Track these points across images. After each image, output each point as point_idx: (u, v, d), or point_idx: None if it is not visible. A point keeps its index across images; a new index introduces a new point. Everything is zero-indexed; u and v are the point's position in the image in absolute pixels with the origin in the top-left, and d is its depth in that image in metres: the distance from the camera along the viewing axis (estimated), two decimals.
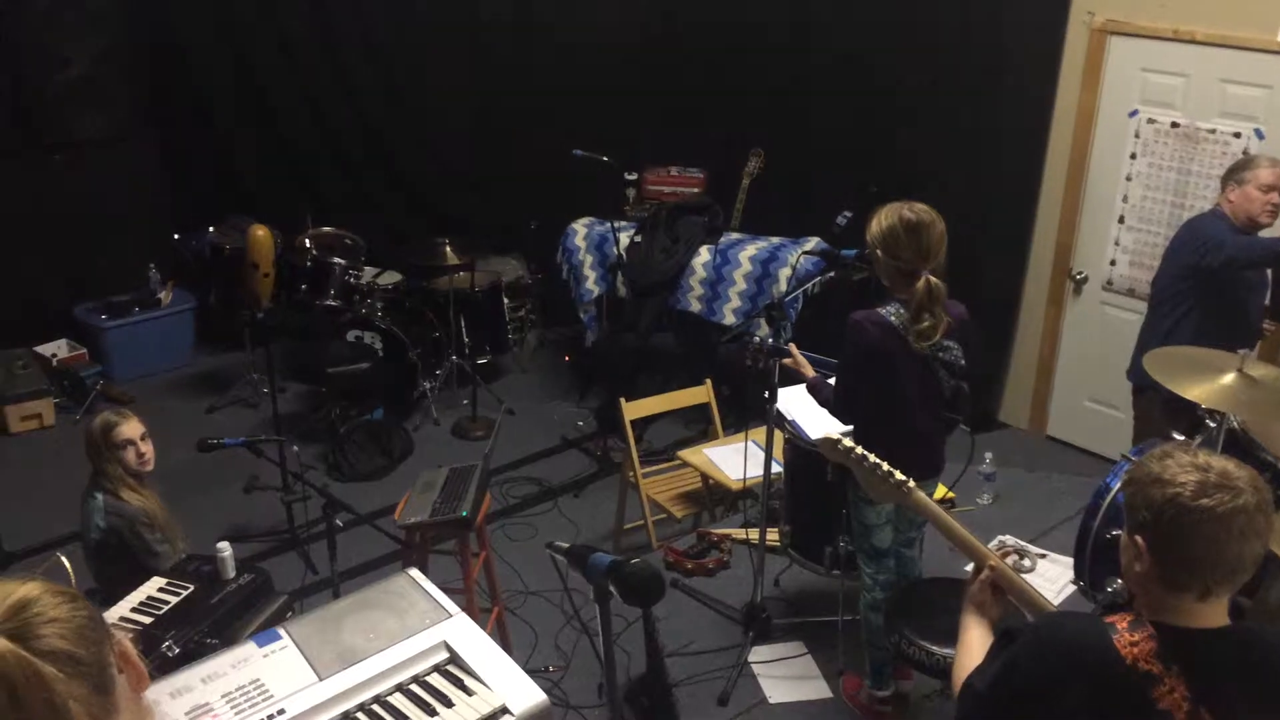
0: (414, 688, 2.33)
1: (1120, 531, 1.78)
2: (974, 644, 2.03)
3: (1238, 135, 4.73)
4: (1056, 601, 3.74)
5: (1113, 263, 5.31)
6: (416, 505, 4.14)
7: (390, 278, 6.32)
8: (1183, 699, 1.65)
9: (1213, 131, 4.82)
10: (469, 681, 2.34)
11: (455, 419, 5.98)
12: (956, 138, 5.47)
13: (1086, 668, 1.70)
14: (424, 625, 2.43)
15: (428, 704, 2.28)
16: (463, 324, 6.08)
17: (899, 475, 2.30)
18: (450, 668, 2.38)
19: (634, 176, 6.41)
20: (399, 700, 2.29)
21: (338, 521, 4.08)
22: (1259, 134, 4.66)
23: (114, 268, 6.40)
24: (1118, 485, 3.56)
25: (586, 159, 5.43)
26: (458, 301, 5.99)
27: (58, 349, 6.24)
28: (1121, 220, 5.23)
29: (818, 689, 3.55)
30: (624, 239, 5.79)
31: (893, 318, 3.05)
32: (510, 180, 6.71)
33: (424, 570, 2.81)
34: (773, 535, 3.93)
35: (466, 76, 6.66)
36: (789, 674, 3.60)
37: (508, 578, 4.58)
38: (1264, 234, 4.02)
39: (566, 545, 1.77)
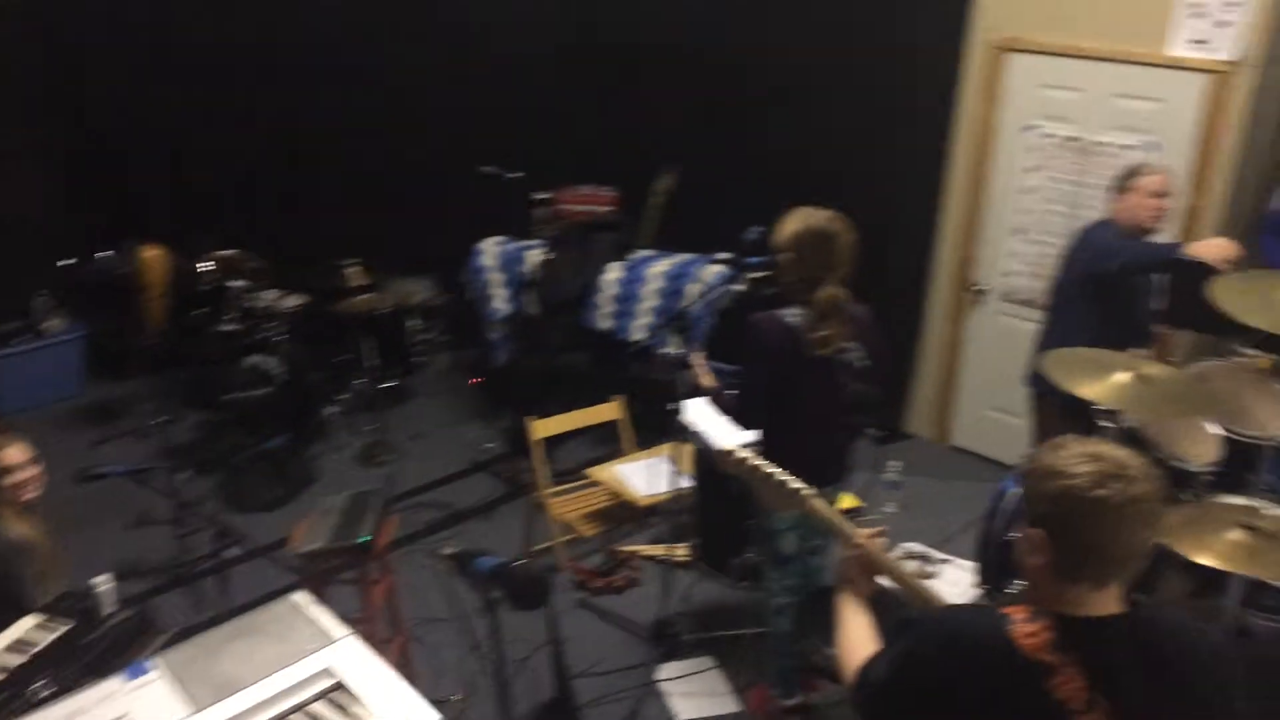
0: (295, 717, 2.21)
1: (1017, 533, 1.77)
2: (850, 621, 2.05)
3: (1130, 147, 4.83)
4: None
5: (1011, 274, 5.39)
6: (314, 532, 3.99)
7: (294, 300, 6.15)
8: (1080, 688, 1.63)
9: (1107, 144, 4.92)
10: (355, 709, 2.23)
11: (360, 445, 5.82)
12: (864, 155, 5.51)
13: (982, 660, 1.68)
14: (307, 651, 2.32)
15: None
16: (370, 347, 5.93)
17: (794, 483, 2.25)
18: (336, 695, 2.27)
19: (545, 196, 6.33)
20: None
21: (235, 551, 3.93)
22: (1154, 147, 4.74)
23: None
24: (1013, 488, 3.59)
25: (494, 175, 5.35)
26: (364, 324, 5.85)
27: None
28: (1019, 232, 5.32)
29: (726, 704, 3.49)
30: (534, 256, 5.72)
31: (791, 319, 3.02)
32: (419, 201, 6.58)
33: (322, 601, 2.68)
34: (682, 549, 3.87)
35: (374, 95, 6.53)
36: (698, 690, 3.54)
37: (416, 605, 4.44)
38: (1153, 239, 4.12)
39: (453, 550, 1.67)
